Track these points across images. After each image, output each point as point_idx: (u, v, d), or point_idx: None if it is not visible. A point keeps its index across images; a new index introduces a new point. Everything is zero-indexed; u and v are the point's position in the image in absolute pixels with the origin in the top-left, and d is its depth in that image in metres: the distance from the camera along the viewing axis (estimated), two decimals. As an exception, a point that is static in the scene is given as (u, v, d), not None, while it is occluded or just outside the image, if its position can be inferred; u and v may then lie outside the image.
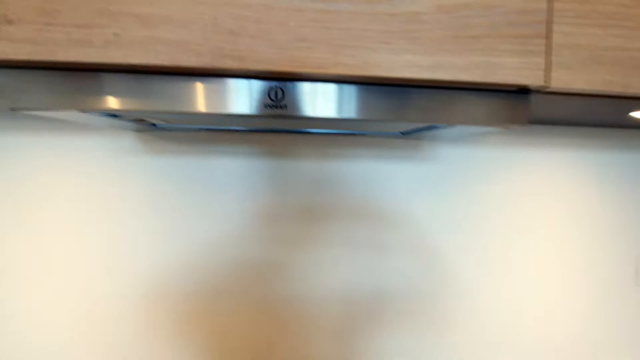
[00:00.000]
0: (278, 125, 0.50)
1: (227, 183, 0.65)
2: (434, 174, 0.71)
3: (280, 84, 0.35)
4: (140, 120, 0.46)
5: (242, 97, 0.35)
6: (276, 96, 0.35)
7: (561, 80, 0.38)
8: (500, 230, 0.73)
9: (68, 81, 0.33)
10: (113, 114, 0.40)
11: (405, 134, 0.60)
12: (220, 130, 0.62)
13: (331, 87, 0.36)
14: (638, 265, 0.78)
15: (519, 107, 0.40)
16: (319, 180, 0.67)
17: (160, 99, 0.34)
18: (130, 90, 0.34)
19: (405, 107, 0.38)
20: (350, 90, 0.37)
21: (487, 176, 0.72)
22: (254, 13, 0.32)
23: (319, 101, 0.36)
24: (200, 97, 0.34)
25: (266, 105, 0.35)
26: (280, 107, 0.35)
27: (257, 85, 0.35)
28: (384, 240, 0.68)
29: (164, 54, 0.32)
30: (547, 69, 0.37)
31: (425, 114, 0.37)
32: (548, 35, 0.37)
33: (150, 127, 0.54)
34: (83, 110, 0.34)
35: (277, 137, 0.66)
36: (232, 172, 0.65)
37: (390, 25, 0.34)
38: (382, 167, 0.69)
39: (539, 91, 0.39)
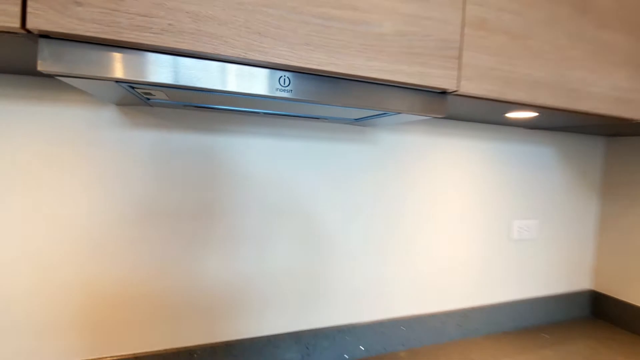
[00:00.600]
0: (275, 108, 0.62)
1: (182, 157, 0.74)
2: (373, 152, 0.89)
3: (288, 74, 0.48)
4: (148, 94, 0.53)
5: (261, 81, 0.46)
6: (284, 83, 0.48)
7: (466, 87, 0.58)
8: (423, 196, 0.95)
9: (117, 56, 0.41)
10: (134, 86, 0.47)
11: (357, 120, 0.76)
12: (202, 108, 0.70)
13: (324, 79, 0.50)
14: (510, 226, 1.09)
15: (440, 103, 0.59)
16: (275, 155, 0.80)
17: (196, 77, 0.44)
18: (172, 69, 0.43)
19: (368, 97, 0.54)
20: (334, 82, 0.51)
21: (414, 155, 0.94)
22: (276, 21, 0.45)
23: (315, 89, 0.50)
24: (232, 79, 0.45)
25: (277, 89, 0.48)
26: (287, 91, 0.48)
27: (272, 73, 0.47)
28: (327, 200, 0.85)
29: (208, 44, 0.42)
30: (458, 79, 0.57)
31: (381, 103, 0.54)
32: (460, 57, 0.57)
33: (146, 101, 0.60)
34: (126, 81, 0.42)
35: (249, 116, 0.77)
36: (191, 147, 0.74)
37: (365, 40, 0.50)
38: (335, 145, 0.85)
39: (452, 93, 0.59)
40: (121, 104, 0.66)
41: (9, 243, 0.63)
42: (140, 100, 0.58)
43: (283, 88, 0.48)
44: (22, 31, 0.37)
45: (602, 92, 0.70)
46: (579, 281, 1.22)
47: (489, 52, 0.59)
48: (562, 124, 0.95)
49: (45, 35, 0.38)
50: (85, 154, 0.66)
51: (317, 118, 0.75)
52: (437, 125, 0.96)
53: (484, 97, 0.60)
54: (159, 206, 0.71)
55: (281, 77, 0.48)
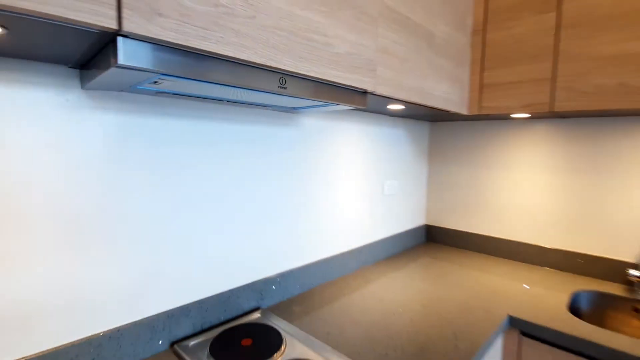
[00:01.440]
0: (272, 101, 0.78)
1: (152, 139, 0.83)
2: (298, 133, 1.14)
3: (285, 76, 0.68)
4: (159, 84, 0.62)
5: (268, 81, 0.65)
6: (283, 82, 0.68)
7: (379, 90, 0.90)
8: (328, 166, 1.27)
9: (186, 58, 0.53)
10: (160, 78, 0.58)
11: (295, 109, 0.99)
12: (178, 95, 0.79)
13: (306, 81, 0.72)
14: (383, 184, 1.54)
15: (363, 99, 0.89)
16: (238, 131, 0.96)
17: (228, 75, 0.59)
18: (218, 69, 0.57)
19: (329, 93, 0.78)
20: (311, 82, 0.74)
21: (324, 135, 1.23)
22: (284, 40, 0.64)
23: (300, 87, 0.71)
24: (255, 79, 0.62)
25: (278, 87, 0.67)
26: (284, 88, 0.68)
27: (276, 75, 0.66)
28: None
29: (244, 53, 0.58)
30: (376, 84, 0.88)
31: (335, 97, 0.80)
32: (375, 70, 0.88)
33: (148, 90, 0.67)
34: (180, 77, 0.54)
35: (211, 103, 0.89)
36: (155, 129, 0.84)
37: (332, 57, 0.74)
38: (273, 128, 1.06)
39: (371, 93, 0.90)
40: (105, 88, 0.68)
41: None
42: (142, 88, 0.65)
43: (282, 86, 0.67)
44: (112, 31, 0.45)
45: (438, 94, 1.15)
46: (419, 219, 1.82)
47: (389, 68, 0.93)
48: (412, 114, 1.43)
49: (125, 36, 0.47)
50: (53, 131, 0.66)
51: (266, 106, 0.94)
52: (343, 114, 1.28)
53: (385, 95, 0.94)
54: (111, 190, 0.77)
55: (281, 78, 0.67)
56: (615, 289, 1.25)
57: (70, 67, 0.68)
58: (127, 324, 0.78)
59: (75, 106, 0.69)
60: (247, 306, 1.02)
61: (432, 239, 1.83)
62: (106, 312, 0.75)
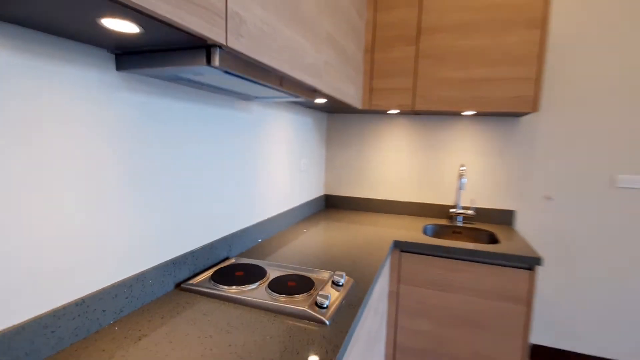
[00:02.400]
0: (251, 90, 1.03)
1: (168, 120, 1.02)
2: (249, 117, 1.42)
3: (283, 76, 0.99)
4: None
5: (274, 78, 0.95)
6: (280, 81, 0.99)
7: (324, 89, 1.29)
8: (266, 146, 1.59)
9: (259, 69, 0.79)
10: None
11: (257, 98, 1.27)
12: (186, 83, 0.97)
13: (291, 80, 1.05)
14: (300, 162, 1.94)
15: (313, 94, 1.26)
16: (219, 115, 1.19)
17: (259, 73, 0.87)
18: (256, 71, 0.85)
19: (296, 88, 1.13)
20: (292, 81, 1.06)
21: (266, 121, 1.54)
22: (287, 55, 0.95)
23: (290, 84, 1.03)
24: (269, 77, 0.92)
25: (279, 84, 0.98)
26: (281, 85, 0.99)
27: (278, 75, 0.97)
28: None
29: (272, 62, 0.88)
30: (322, 85, 1.27)
31: (299, 91, 1.15)
32: (322, 76, 1.26)
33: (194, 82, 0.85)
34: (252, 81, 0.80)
35: (198, 89, 1.10)
36: (173, 110, 1.03)
37: (306, 66, 1.08)
38: (229, 112, 1.32)
39: (319, 91, 1.28)
40: (147, 74, 0.83)
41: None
42: (181, 77, 0.85)
43: (280, 84, 0.99)
44: (217, 43, 0.70)
45: (348, 93, 1.62)
46: (320, 190, 2.31)
47: (328, 75, 1.32)
48: (322, 106, 1.86)
49: (219, 46, 0.71)
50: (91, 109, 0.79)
51: (239, 94, 1.19)
52: (280, 105, 1.60)
53: (325, 92, 1.34)
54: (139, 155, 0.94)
55: (280, 77, 0.98)
56: (444, 221, 2.03)
57: (108, 52, 0.80)
58: (148, 269, 0.95)
59: (113, 85, 0.82)
60: (222, 255, 1.26)
61: (330, 205, 2.36)
62: (134, 258, 0.91)
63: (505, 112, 1.74)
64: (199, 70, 0.77)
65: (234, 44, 0.72)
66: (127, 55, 0.80)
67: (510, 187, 2.00)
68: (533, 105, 1.63)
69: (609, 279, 1.89)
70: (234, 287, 1.02)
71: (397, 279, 1.66)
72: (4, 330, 0.63)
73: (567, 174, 1.91)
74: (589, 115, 1.85)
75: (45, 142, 0.69)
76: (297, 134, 1.87)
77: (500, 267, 1.51)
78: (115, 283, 0.86)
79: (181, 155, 1.05)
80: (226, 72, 0.77)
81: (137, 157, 0.90)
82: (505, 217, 2.01)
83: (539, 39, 1.59)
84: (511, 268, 1.49)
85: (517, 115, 1.86)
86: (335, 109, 1.99)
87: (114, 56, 0.82)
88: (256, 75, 0.85)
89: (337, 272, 1.10)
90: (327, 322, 0.87)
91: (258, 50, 0.80)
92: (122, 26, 0.60)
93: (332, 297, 0.98)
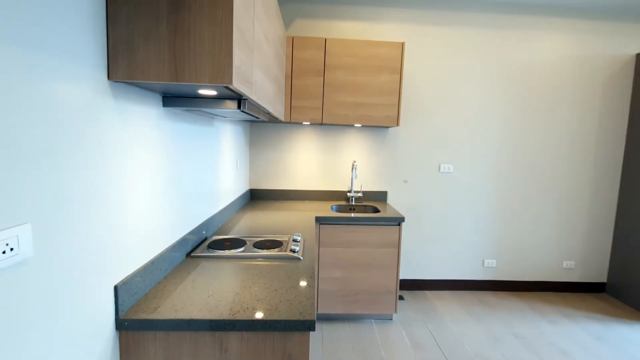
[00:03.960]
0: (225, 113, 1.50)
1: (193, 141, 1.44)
2: (215, 130, 1.86)
3: (260, 110, 1.52)
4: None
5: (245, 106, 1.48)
6: (259, 112, 1.52)
7: (268, 108, 1.84)
8: (222, 151, 2.04)
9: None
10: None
11: (224, 118, 1.73)
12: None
13: (253, 104, 1.58)
14: (236, 162, 2.41)
15: (266, 115, 1.80)
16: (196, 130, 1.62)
17: (254, 109, 1.39)
18: (253, 107, 1.36)
19: (255, 109, 1.66)
20: (253, 104, 1.60)
21: (222, 132, 1.99)
22: (265, 95, 1.49)
23: (253, 106, 1.56)
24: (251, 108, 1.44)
25: (258, 113, 1.51)
26: (259, 113, 1.52)
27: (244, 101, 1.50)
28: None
29: (259, 100, 1.41)
30: (268, 104, 1.82)
31: (256, 111, 1.68)
32: (272, 104, 1.81)
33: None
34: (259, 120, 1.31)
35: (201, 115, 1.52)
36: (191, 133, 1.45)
37: (262, 94, 1.63)
38: (207, 128, 1.75)
39: (268, 113, 1.82)
40: (180, 106, 1.23)
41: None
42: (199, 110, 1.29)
43: (246, 108, 1.52)
44: (244, 96, 1.21)
45: (277, 110, 2.19)
46: (246, 185, 2.80)
47: (276, 103, 1.88)
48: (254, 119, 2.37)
49: (242, 97, 1.22)
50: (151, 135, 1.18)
51: (215, 114, 1.64)
52: (228, 120, 2.04)
53: (270, 112, 1.88)
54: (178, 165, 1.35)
55: (245, 102, 1.51)
56: (343, 202, 2.83)
57: (159, 94, 1.20)
58: (178, 240, 1.35)
59: (161, 116, 1.22)
60: (203, 236, 1.69)
61: (255, 197, 2.87)
62: (170, 233, 1.30)
63: (379, 125, 2.62)
64: (227, 112, 1.25)
65: (252, 95, 1.24)
66: (170, 98, 1.20)
67: (383, 175, 2.93)
68: (396, 121, 2.55)
69: (439, 230, 3.03)
70: (229, 251, 1.50)
71: (317, 244, 2.34)
72: (135, 270, 1.02)
73: (414, 164, 2.95)
74: (426, 127, 2.92)
75: (133, 153, 1.07)
76: (234, 140, 2.33)
77: (382, 226, 2.36)
78: (167, 248, 1.25)
79: (189, 161, 1.46)
80: (243, 111, 1.27)
81: (170, 163, 1.29)
82: (381, 196, 2.94)
83: (398, 80, 2.50)
84: (388, 226, 2.36)
85: (387, 127, 2.78)
86: (259, 120, 2.52)
87: (161, 97, 1.21)
88: (253, 110, 1.37)
89: (295, 234, 1.70)
90: (301, 258, 1.47)
91: (259, 97, 1.33)
92: (209, 93, 1.07)
93: (299, 246, 1.58)
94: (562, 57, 2.93)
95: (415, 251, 3.04)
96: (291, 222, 2.12)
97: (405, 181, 2.96)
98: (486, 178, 3.01)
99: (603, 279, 3.21)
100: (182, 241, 1.42)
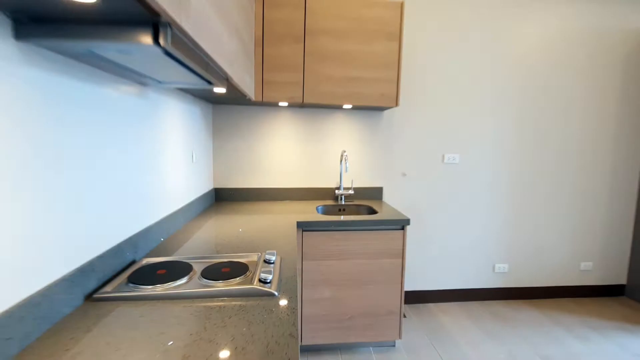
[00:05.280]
0: (161, 75, 0.95)
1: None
2: (146, 106, 1.30)
3: (209, 59, 0.98)
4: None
5: (200, 60, 0.94)
6: (207, 67, 0.98)
7: (234, 77, 1.30)
8: (166, 136, 1.48)
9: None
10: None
11: (160, 83, 1.18)
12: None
13: (215, 68, 1.04)
14: (192, 153, 1.85)
15: (224, 82, 1.26)
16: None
17: (194, 57, 0.86)
18: (194, 54, 0.83)
19: (214, 73, 1.12)
20: (215, 67, 1.06)
21: (159, 106, 1.43)
22: (214, 42, 0.95)
23: (213, 69, 1.03)
24: (197, 60, 0.90)
25: (205, 70, 0.97)
26: (208, 71, 0.98)
27: (203, 57, 0.96)
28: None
29: (206, 43, 0.87)
30: (232, 74, 1.28)
31: (214, 76, 1.14)
32: (234, 65, 1.27)
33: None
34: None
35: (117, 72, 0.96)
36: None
37: (225, 53, 1.09)
38: (128, 97, 1.19)
39: (229, 80, 1.28)
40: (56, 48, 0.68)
41: None
42: (101, 55, 0.74)
43: (206, 66, 0.98)
44: (167, 22, 0.67)
45: (248, 84, 1.65)
46: (209, 184, 2.24)
47: (238, 66, 1.34)
48: (211, 97, 1.82)
49: (169, 24, 0.68)
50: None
51: (144, 76, 1.09)
52: (173, 92, 1.49)
53: (235, 82, 1.35)
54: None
55: (205, 58, 0.97)
56: (330, 202, 2.31)
57: (7, 16, 0.64)
58: (59, 277, 0.79)
59: (16, 58, 0.66)
60: (129, 258, 1.13)
61: (221, 198, 2.32)
62: (36, 266, 0.75)
63: (374, 107, 2.12)
64: (132, 49, 0.71)
65: (182, 19, 0.70)
66: (34, 23, 0.65)
67: (378, 168, 2.44)
68: (395, 100, 2.05)
69: (443, 231, 2.57)
70: (161, 286, 0.96)
71: (300, 256, 1.82)
72: None
73: (414, 154, 2.47)
74: (428, 109, 2.45)
75: None
76: (187, 124, 1.78)
77: (381, 231, 1.86)
78: (38, 292, 0.70)
79: (96, 145, 0.90)
80: (167, 53, 0.73)
81: (33, 145, 0.74)
82: (376, 193, 2.45)
83: (397, 49, 2.01)
84: (388, 230, 1.87)
85: (382, 109, 2.29)
86: (222, 100, 1.98)
87: (11, 21, 0.65)
88: (191, 59, 0.83)
89: (267, 252, 1.17)
90: (276, 294, 0.95)
91: (199, 35, 0.79)
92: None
93: (272, 272, 1.05)
94: (579, 30, 2.52)
95: (415, 257, 2.57)
96: (265, 230, 1.59)
97: (404, 175, 2.48)
98: (497, 170, 2.57)
99: (622, 280, 2.85)
100: (79, 273, 0.87)
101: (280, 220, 1.80)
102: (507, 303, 2.67)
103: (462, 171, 2.54)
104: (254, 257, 1.19)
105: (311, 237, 1.82)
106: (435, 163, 2.50)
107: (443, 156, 2.50)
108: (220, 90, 1.51)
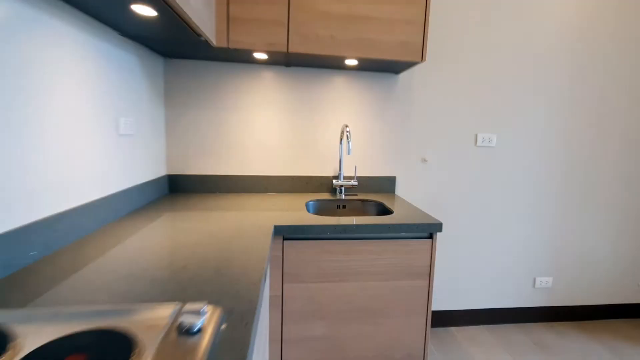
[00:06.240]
0: None
1: None
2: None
3: None
4: None
5: None
6: None
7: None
8: (47, 90, 0.85)
9: None
10: None
11: None
12: None
13: None
14: (118, 121, 1.22)
15: None
16: None
17: None
18: None
19: None
20: None
21: (51, 40, 0.80)
22: None
23: None
24: None
25: None
26: None
27: None
28: None
29: None
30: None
31: None
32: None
33: None
34: None
35: None
36: None
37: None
38: None
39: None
40: None
41: None
42: None
43: None
44: None
45: (198, 9, 1.03)
46: (160, 169, 1.62)
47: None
48: (156, 38, 1.20)
49: None
50: None
51: None
52: (75, 19, 0.86)
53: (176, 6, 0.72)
54: None
55: None
56: (327, 195, 1.70)
57: None
58: None
59: None
60: None
61: (177, 189, 1.70)
62: None
63: (389, 62, 1.50)
64: None
65: None
66: None
67: (390, 152, 1.83)
68: (421, 53, 1.44)
69: (471, 235, 1.98)
70: None
71: (280, 277, 1.22)
72: None
73: (439, 134, 1.86)
74: (459, 72, 1.83)
75: None
76: (110, 76, 1.15)
77: (399, 240, 1.27)
78: None
79: None
80: None
81: None
82: (387, 185, 1.84)
83: (425, -27, 1.38)
84: (410, 240, 1.27)
85: (398, 69, 1.67)
86: (177, 50, 1.35)
87: None
88: None
89: (189, 304, 0.56)
90: None
91: None
92: None
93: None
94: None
95: (436, 267, 1.98)
96: (225, 240, 0.99)
97: (425, 161, 1.87)
98: (545, 158, 1.97)
99: (688, 297, 2.29)
100: None
101: (253, 222, 1.19)
102: (549, 326, 2.09)
103: (500, 157, 1.93)
104: (164, 312, 0.58)
105: (296, 249, 1.22)
106: (466, 146, 1.89)
107: (476, 137, 1.89)
108: (144, 10, 0.89)
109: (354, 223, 1.22)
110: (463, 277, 2.01)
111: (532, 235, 2.04)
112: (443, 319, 2.02)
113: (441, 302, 2.01)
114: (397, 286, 1.29)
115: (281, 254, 1.21)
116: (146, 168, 1.46)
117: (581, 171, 2.02)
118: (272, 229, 1.13)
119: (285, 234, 1.19)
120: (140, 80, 1.38)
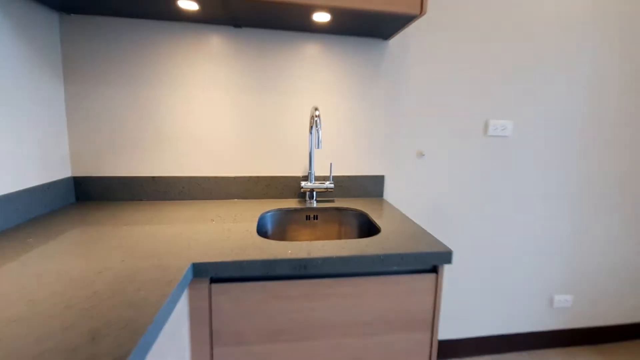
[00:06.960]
0: None
1: None
2: None
3: None
4: None
5: None
6: None
7: None
8: None
9: None
10: None
11: None
12: None
13: None
14: None
15: None
16: None
17: None
18: None
19: None
20: None
21: None
22: None
23: None
24: None
25: None
26: None
27: None
28: None
29: None
30: None
31: None
32: None
33: None
34: None
35: None
36: None
37: None
38: None
39: None
40: None
41: None
42: None
43: None
44: None
45: None
46: (59, 170, 1.16)
47: None
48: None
49: None
50: None
51: None
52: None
53: None
54: None
55: None
56: (293, 203, 1.27)
57: None
58: None
59: None
60: None
61: (86, 197, 1.24)
62: None
63: (375, 20, 1.06)
64: None
65: None
66: None
67: (377, 144, 1.41)
68: (419, 5, 1.00)
69: (478, 247, 1.59)
70: None
71: (208, 339, 0.79)
72: None
73: (439, 120, 1.45)
74: (467, 35, 1.41)
75: None
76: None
77: (389, 276, 0.85)
78: None
79: None
80: None
81: None
82: (373, 186, 1.42)
83: None
84: (405, 275, 0.86)
85: (388, 33, 1.23)
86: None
87: None
88: None
89: None
90: None
91: None
92: None
93: None
94: None
95: (448, 290, 1.59)
96: (102, 290, 0.55)
97: (422, 155, 1.46)
98: (567, 150, 1.58)
99: None
100: None
101: (156, 253, 0.76)
102: (568, 352, 1.74)
103: (516, 149, 1.53)
104: None
105: (232, 296, 0.79)
106: (474, 135, 1.48)
107: (486, 124, 1.48)
108: None
109: (320, 256, 0.80)
110: (467, 298, 1.62)
111: (551, 246, 1.66)
112: (443, 350, 1.64)
113: (441, 330, 1.63)
114: (386, 343, 0.87)
115: (208, 305, 0.78)
116: (32, 167, 1.00)
117: (611, 170, 1.64)
118: (186, 270, 0.70)
119: (214, 273, 0.76)
120: (14, 44, 0.91)
